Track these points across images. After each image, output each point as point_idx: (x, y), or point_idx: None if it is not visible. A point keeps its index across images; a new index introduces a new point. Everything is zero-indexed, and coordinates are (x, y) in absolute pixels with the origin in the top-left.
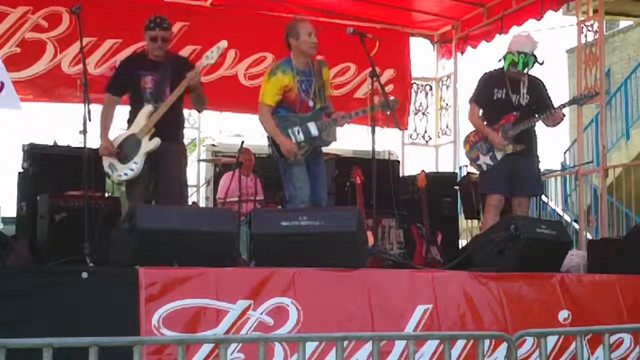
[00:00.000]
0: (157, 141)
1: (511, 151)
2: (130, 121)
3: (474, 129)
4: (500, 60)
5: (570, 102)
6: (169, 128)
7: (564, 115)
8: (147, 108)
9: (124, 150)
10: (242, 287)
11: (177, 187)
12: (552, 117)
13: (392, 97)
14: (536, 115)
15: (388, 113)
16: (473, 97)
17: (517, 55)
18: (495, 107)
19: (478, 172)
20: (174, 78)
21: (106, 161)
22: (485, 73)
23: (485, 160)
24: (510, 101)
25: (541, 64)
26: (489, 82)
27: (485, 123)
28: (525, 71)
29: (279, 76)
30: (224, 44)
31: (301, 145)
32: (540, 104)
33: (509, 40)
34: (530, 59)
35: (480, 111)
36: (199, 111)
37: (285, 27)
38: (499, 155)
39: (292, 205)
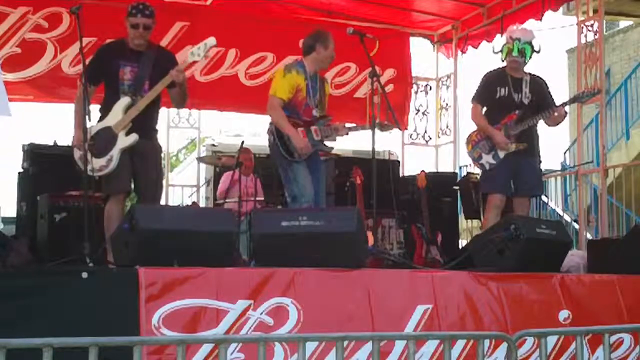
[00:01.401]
0: (134, 137)
1: (514, 149)
2: (103, 112)
3: (475, 128)
4: (498, 52)
5: (572, 100)
6: (146, 125)
7: (566, 113)
8: (124, 100)
9: (98, 143)
10: (242, 287)
11: (154, 188)
12: (554, 116)
13: (386, 122)
14: (538, 114)
15: (386, 122)
16: (475, 96)
17: (512, 43)
18: (498, 106)
19: (480, 172)
20: (154, 71)
21: (77, 153)
22: (488, 72)
23: (487, 159)
24: (512, 100)
25: (538, 51)
26: (491, 81)
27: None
28: (522, 59)
29: (294, 74)
30: (211, 41)
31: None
32: (542, 102)
33: (506, 32)
34: (526, 46)
35: (483, 110)
36: (178, 108)
37: (316, 33)
38: (501, 154)
39: (298, 204)
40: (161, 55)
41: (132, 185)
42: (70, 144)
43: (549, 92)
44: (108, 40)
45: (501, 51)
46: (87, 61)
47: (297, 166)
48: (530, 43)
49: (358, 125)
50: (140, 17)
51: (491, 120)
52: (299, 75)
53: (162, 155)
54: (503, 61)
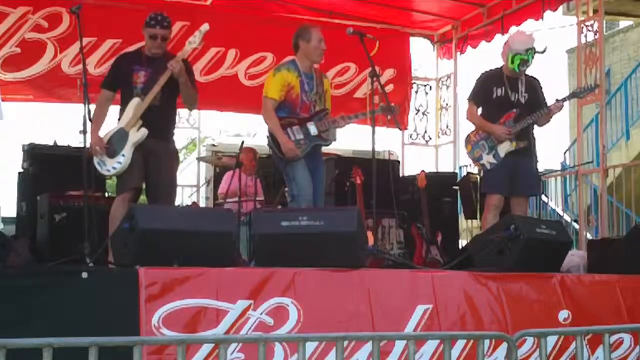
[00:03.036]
0: (144, 131)
1: (514, 148)
2: (120, 116)
3: (474, 128)
4: (512, 62)
5: (571, 96)
6: (159, 125)
7: (562, 106)
8: (135, 100)
9: (113, 144)
10: (242, 287)
11: (166, 190)
12: (547, 115)
13: (393, 104)
14: (536, 112)
15: (388, 118)
16: (471, 96)
17: (525, 54)
18: (495, 106)
19: (482, 172)
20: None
21: (95, 157)
22: (484, 72)
23: (488, 159)
24: (509, 99)
25: (542, 52)
26: (488, 81)
27: None
28: (526, 67)
29: (284, 73)
30: (205, 27)
31: (300, 143)
32: (537, 102)
33: (509, 43)
34: (533, 52)
35: (479, 110)
36: (190, 108)
37: (296, 29)
38: (501, 153)
39: (296, 203)
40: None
41: (143, 185)
42: (69, 144)
43: (543, 94)
44: (125, 50)
45: (511, 60)
46: (107, 70)
47: (294, 165)
48: (534, 47)
49: (359, 112)
50: (159, 28)
51: (489, 120)
52: (290, 72)
53: None
54: (517, 71)
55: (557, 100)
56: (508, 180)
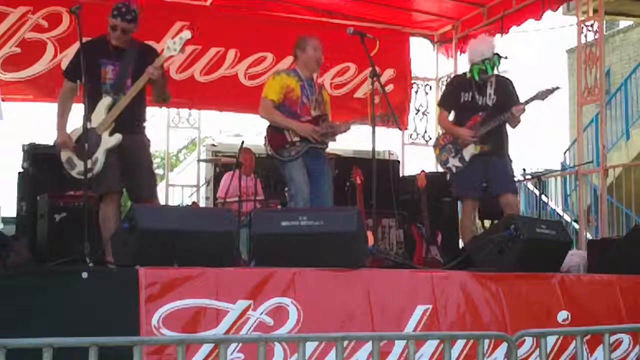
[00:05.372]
0: (118, 137)
1: (478, 152)
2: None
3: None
4: (471, 72)
5: (533, 98)
6: (130, 120)
7: (524, 110)
8: (106, 100)
9: (82, 145)
10: (242, 287)
11: (148, 181)
12: (513, 118)
13: (390, 112)
14: (502, 114)
15: (386, 112)
16: (440, 102)
17: (483, 64)
18: (463, 110)
19: (448, 175)
20: (136, 68)
21: (64, 155)
22: (453, 77)
23: (454, 162)
24: (476, 103)
25: (506, 57)
26: (456, 86)
27: None
28: (495, 72)
29: (283, 76)
30: (186, 34)
31: (296, 144)
32: (508, 103)
33: (469, 52)
34: (495, 59)
35: (452, 115)
36: (161, 102)
37: (296, 30)
38: (467, 157)
39: (294, 203)
40: (143, 52)
41: (123, 184)
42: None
43: (515, 92)
44: (89, 38)
45: (471, 71)
46: (70, 59)
47: (291, 165)
48: (496, 53)
49: (356, 120)
50: (120, 20)
51: (458, 124)
52: (290, 77)
53: (162, 154)
54: (478, 80)
55: (519, 103)
56: (480, 182)
